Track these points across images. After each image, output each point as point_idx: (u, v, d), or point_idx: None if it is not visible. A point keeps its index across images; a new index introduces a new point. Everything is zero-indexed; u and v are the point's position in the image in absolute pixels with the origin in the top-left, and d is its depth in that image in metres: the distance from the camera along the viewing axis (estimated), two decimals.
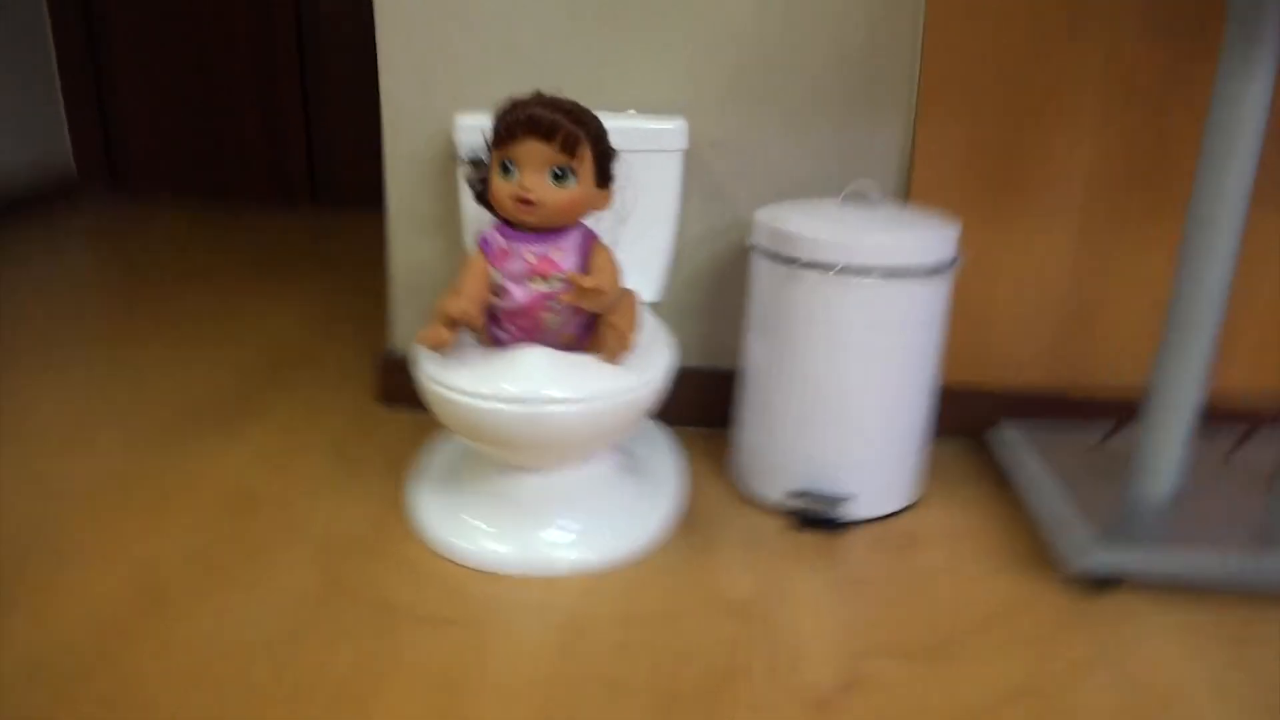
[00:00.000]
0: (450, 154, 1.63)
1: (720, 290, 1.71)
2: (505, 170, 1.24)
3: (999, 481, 1.61)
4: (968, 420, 1.72)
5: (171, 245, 2.92)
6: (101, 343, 2.09)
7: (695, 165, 1.63)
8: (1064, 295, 1.65)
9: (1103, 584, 1.32)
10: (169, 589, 1.24)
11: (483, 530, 1.32)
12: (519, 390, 1.19)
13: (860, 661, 1.15)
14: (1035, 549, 1.42)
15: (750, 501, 1.52)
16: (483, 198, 1.30)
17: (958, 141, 1.58)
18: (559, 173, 1.23)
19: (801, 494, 1.46)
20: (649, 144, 1.49)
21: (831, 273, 1.35)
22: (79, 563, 1.29)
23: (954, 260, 1.42)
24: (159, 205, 3.43)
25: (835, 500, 1.44)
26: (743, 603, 1.26)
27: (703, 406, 1.75)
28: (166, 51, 3.43)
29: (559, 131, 1.21)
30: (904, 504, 1.51)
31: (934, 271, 1.38)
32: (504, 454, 1.27)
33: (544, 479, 1.32)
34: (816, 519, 1.44)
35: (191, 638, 1.14)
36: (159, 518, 1.41)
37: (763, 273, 1.45)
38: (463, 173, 1.44)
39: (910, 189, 1.61)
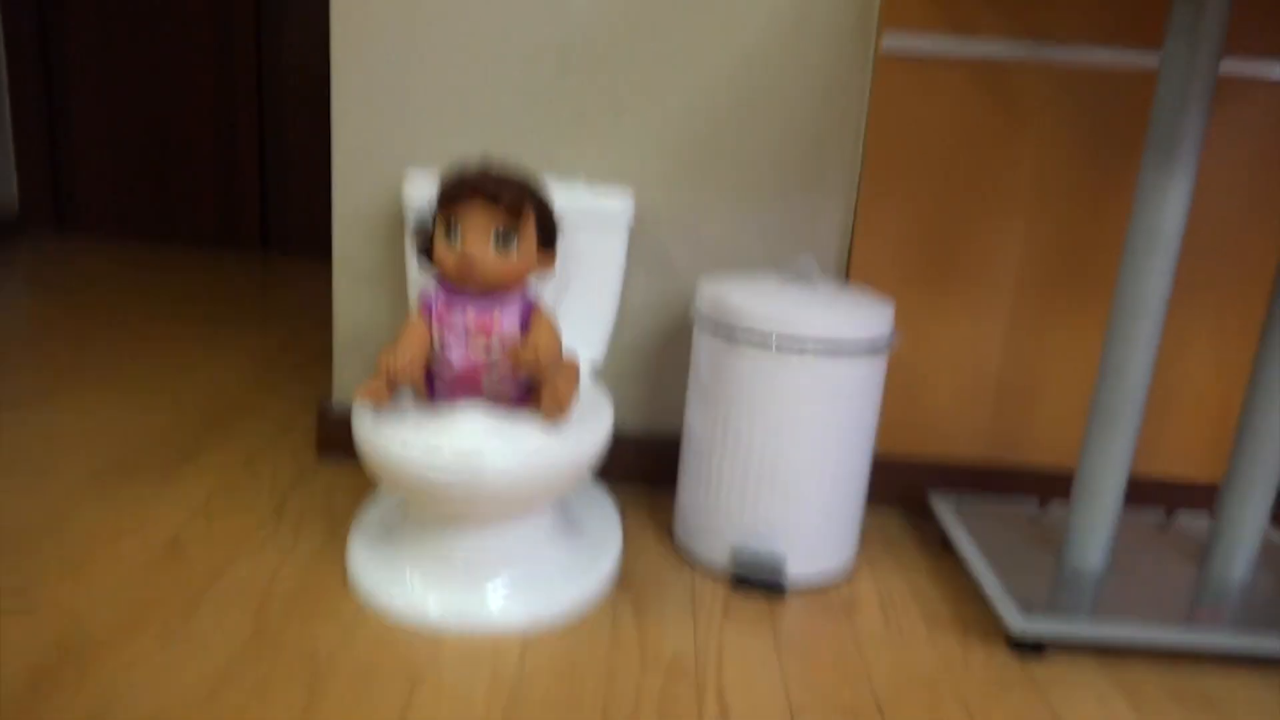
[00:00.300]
0: (399, 209, 1.65)
1: (663, 357, 1.74)
2: (449, 231, 1.25)
3: (933, 549, 1.64)
4: (902, 488, 1.75)
5: (116, 289, 2.87)
6: (37, 386, 2.04)
7: (641, 235, 1.66)
8: (997, 372, 1.70)
9: (1036, 649, 1.34)
10: (90, 639, 1.20)
11: (418, 586, 1.31)
12: (455, 450, 1.19)
13: (798, 715, 1.15)
14: (970, 615, 1.43)
15: (690, 563, 1.53)
16: (427, 256, 1.31)
17: (897, 222, 1.63)
18: (502, 236, 1.24)
19: (740, 556, 1.46)
20: (596, 221, 1.51)
21: (771, 348, 1.38)
22: None
23: (890, 338, 1.45)
24: (106, 248, 3.38)
25: (773, 565, 1.45)
26: (680, 660, 1.26)
27: (645, 468, 1.76)
28: (123, 95, 3.41)
29: (504, 195, 1.23)
30: (842, 568, 1.52)
31: (871, 349, 1.41)
32: (439, 510, 1.26)
33: (481, 535, 1.31)
34: (755, 582, 1.45)
35: (111, 690, 1.11)
36: (86, 566, 1.37)
37: (704, 343, 1.47)
38: (410, 231, 1.45)
39: (850, 266, 1.65)
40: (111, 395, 2.02)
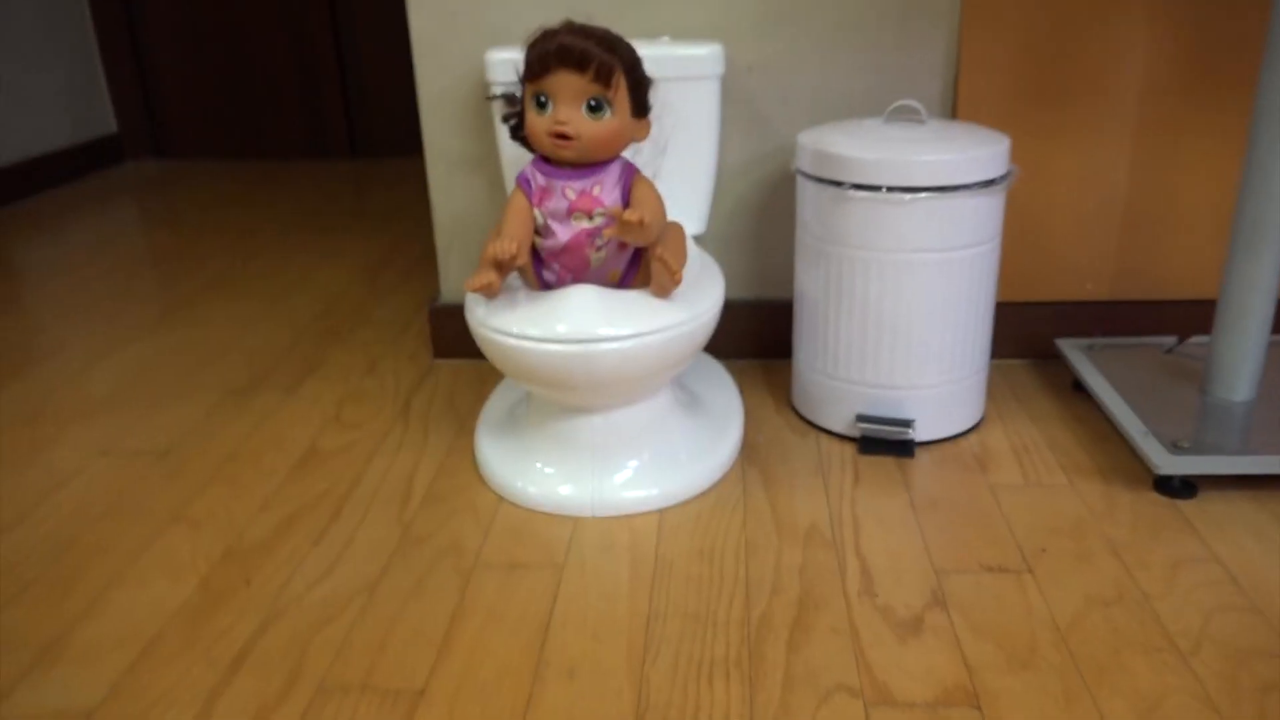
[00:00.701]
0: (484, 91, 1.61)
1: (766, 219, 1.68)
2: (540, 105, 1.21)
3: (1066, 396, 1.59)
4: (1028, 338, 1.69)
5: (219, 207, 2.93)
6: (160, 309, 2.11)
7: (733, 92, 1.59)
8: (1123, 199, 1.60)
9: (1186, 489, 1.29)
10: (247, 545, 1.26)
11: (550, 475, 1.32)
12: (570, 330, 1.18)
13: (944, 579, 1.15)
14: (1112, 459, 1.39)
15: (814, 430, 1.51)
16: (518, 134, 1.27)
17: (1005, 46, 1.52)
18: (594, 104, 1.19)
19: (865, 418, 1.44)
20: (684, 71, 1.45)
21: (882, 192, 1.31)
22: (156, 524, 1.31)
23: (1007, 175, 1.37)
24: (202, 168, 3.44)
25: (900, 424, 1.42)
26: (817, 530, 1.25)
27: (757, 338, 1.73)
28: (202, 19, 3.41)
29: (591, 61, 1.17)
30: (969, 424, 1.49)
31: (986, 186, 1.34)
32: (560, 396, 1.27)
33: (606, 419, 1.31)
34: (883, 443, 1.43)
35: (270, 592, 1.16)
36: (234, 477, 1.43)
37: (809, 198, 1.42)
38: (497, 109, 1.41)
39: (957, 105, 1.56)
40: (232, 312, 2.08)
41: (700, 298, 1.27)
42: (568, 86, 1.18)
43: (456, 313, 1.76)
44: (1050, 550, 1.20)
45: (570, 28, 1.19)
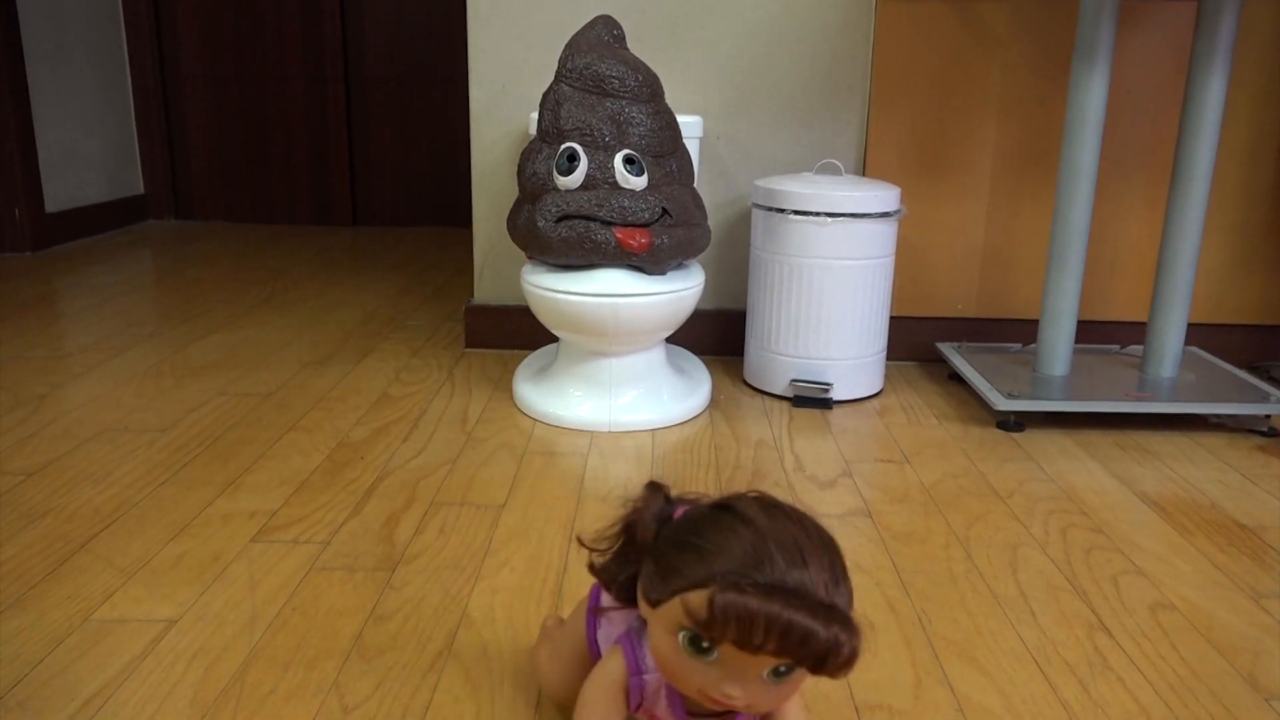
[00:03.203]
0: (523, 142, 2.16)
1: (726, 246, 2.25)
2: (698, 649, 0.73)
3: (941, 384, 2.16)
4: (916, 344, 2.26)
5: (245, 253, 3.41)
6: (229, 314, 2.58)
7: (707, 151, 2.18)
8: (982, 243, 2.21)
9: (1017, 427, 1.85)
10: (353, 441, 1.73)
11: (575, 398, 1.83)
12: (601, 287, 1.71)
13: (851, 465, 1.68)
14: (969, 413, 1.95)
15: (760, 394, 2.05)
16: (623, 590, 0.82)
17: (900, 129, 2.14)
18: (782, 670, 0.72)
19: (797, 381, 1.98)
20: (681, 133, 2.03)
21: (812, 217, 1.89)
22: (289, 437, 1.78)
23: (898, 211, 1.96)
24: (216, 227, 3.92)
25: (823, 385, 1.97)
26: (764, 442, 1.78)
27: (718, 338, 2.28)
28: (227, 94, 3.95)
29: (813, 646, 0.68)
30: (872, 391, 2.04)
31: (883, 217, 1.93)
32: (590, 340, 1.79)
33: (618, 362, 1.83)
34: (811, 400, 1.97)
35: (380, 462, 1.64)
36: (330, 408, 1.90)
37: (760, 224, 1.99)
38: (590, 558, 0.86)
39: (866, 165, 2.17)
40: (289, 319, 2.56)
41: (690, 278, 1.82)
42: (757, 664, 0.72)
43: (486, 311, 2.28)
44: (922, 453, 1.74)
45: (790, 578, 0.69)
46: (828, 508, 1.51)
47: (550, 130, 1.77)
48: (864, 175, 2.17)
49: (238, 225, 4.01)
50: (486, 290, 2.30)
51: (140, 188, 3.99)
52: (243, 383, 2.05)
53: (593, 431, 1.81)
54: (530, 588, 1.26)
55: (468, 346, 2.33)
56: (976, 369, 1.99)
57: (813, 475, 1.63)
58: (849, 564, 1.01)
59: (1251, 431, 1.87)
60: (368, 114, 3.95)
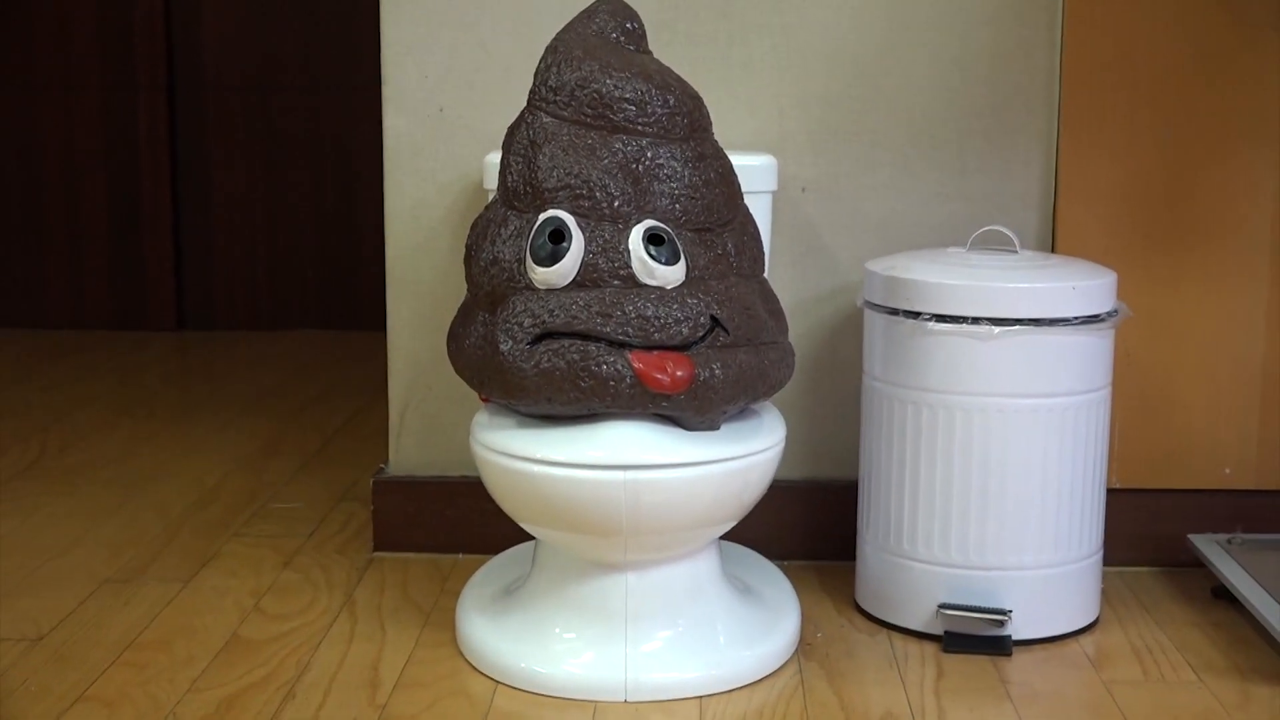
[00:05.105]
0: (476, 200, 2.07)
1: (823, 375, 2.15)
2: None
3: (1198, 604, 2.02)
4: (1152, 536, 2.14)
5: (6, 385, 3.39)
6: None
7: (785, 213, 2.09)
8: (1260, 363, 2.06)
9: None
10: None
11: (567, 643, 1.72)
12: (609, 453, 1.60)
13: None
14: (1247, 660, 1.81)
15: (885, 628, 1.92)
16: None
17: (1113, 173, 2.03)
18: None
19: (951, 607, 1.81)
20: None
21: (968, 324, 1.76)
22: (55, 703, 1.59)
23: (1114, 311, 1.86)
24: None
25: (995, 613, 1.80)
26: (896, 715, 1.65)
27: (812, 532, 2.15)
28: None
29: None
30: (1081, 624, 1.91)
31: (1090, 323, 1.82)
32: (590, 543, 1.67)
33: (638, 579, 1.71)
34: (974, 638, 1.81)
35: None
36: (149, 667, 1.74)
37: (878, 334, 1.91)
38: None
39: (1056, 237, 2.03)
40: (72, 502, 2.49)
41: (759, 435, 1.66)
42: None
43: (410, 487, 2.15)
44: None
45: None
46: None
47: (522, 188, 1.73)
48: (1053, 251, 2.06)
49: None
50: (410, 452, 2.23)
51: None
52: None
53: (597, 702, 1.69)
54: None
55: (378, 549, 2.25)
56: (1262, 582, 1.84)
57: None
58: None
59: None
60: (204, 143, 3.96)
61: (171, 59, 3.85)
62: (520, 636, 1.75)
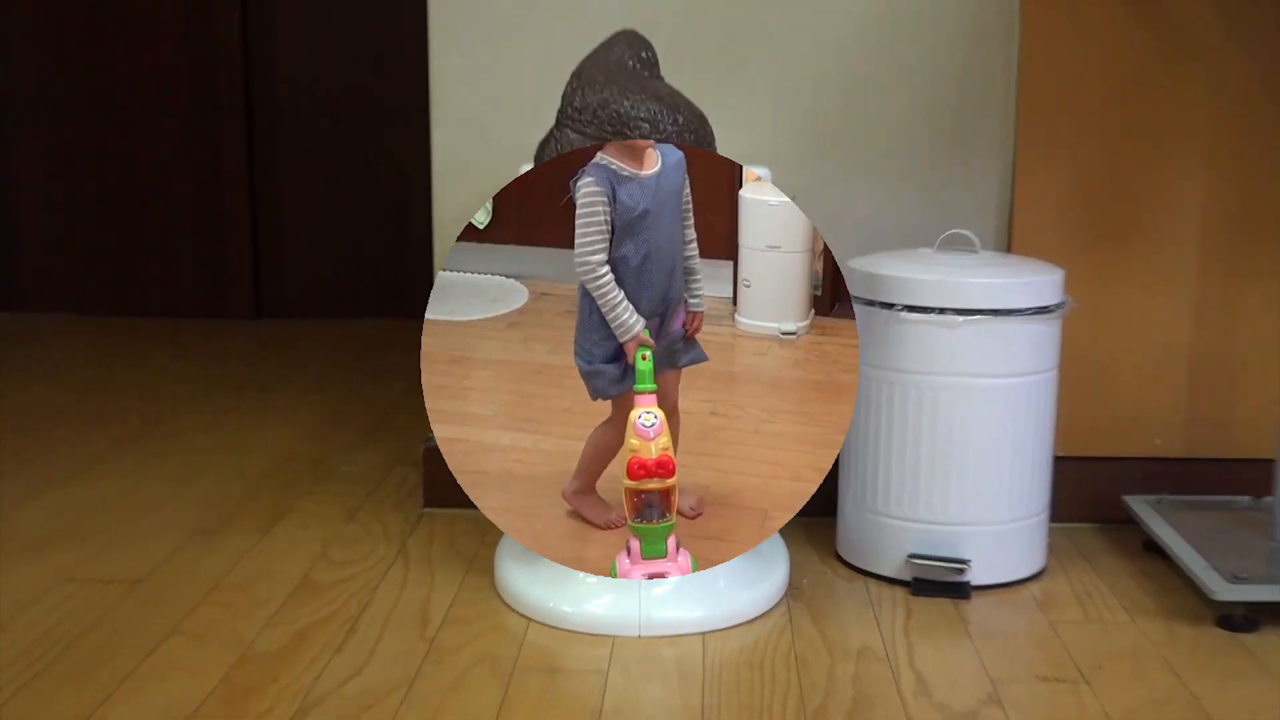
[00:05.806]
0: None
1: None
2: None
3: (1132, 556, 2.20)
4: (1092, 497, 2.31)
5: (107, 365, 3.57)
6: (90, 450, 2.69)
7: None
8: (1187, 349, 2.26)
9: (1244, 624, 1.87)
10: (267, 659, 1.79)
11: (589, 585, 1.90)
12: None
13: (1000, 686, 1.71)
14: (1174, 603, 1.99)
15: (862, 575, 2.10)
16: None
17: (1062, 182, 2.23)
18: None
19: (919, 557, 2.03)
20: None
21: (935, 314, 1.96)
22: (168, 647, 1.83)
23: (1062, 304, 2.03)
24: (57, 322, 4.07)
25: (956, 562, 2.01)
26: (869, 649, 1.82)
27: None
28: (74, 132, 4.11)
29: None
30: (1030, 571, 2.09)
31: (1041, 313, 1.99)
32: None
33: None
34: (938, 584, 2.01)
35: (303, 686, 1.69)
36: (233, 605, 1.97)
37: (859, 323, 2.05)
38: None
39: (1012, 238, 2.25)
40: (164, 466, 2.67)
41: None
42: None
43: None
44: (1106, 668, 1.77)
45: None
46: None
47: None
48: (1009, 251, 2.26)
49: (89, 320, 4.18)
50: None
51: None
52: (98, 564, 2.13)
53: (615, 636, 1.87)
54: None
55: (428, 505, 2.42)
56: (1186, 536, 2.04)
57: (943, 704, 1.67)
58: None
59: None
60: (278, 159, 4.16)
61: (249, 81, 4.09)
62: (549, 581, 1.92)
